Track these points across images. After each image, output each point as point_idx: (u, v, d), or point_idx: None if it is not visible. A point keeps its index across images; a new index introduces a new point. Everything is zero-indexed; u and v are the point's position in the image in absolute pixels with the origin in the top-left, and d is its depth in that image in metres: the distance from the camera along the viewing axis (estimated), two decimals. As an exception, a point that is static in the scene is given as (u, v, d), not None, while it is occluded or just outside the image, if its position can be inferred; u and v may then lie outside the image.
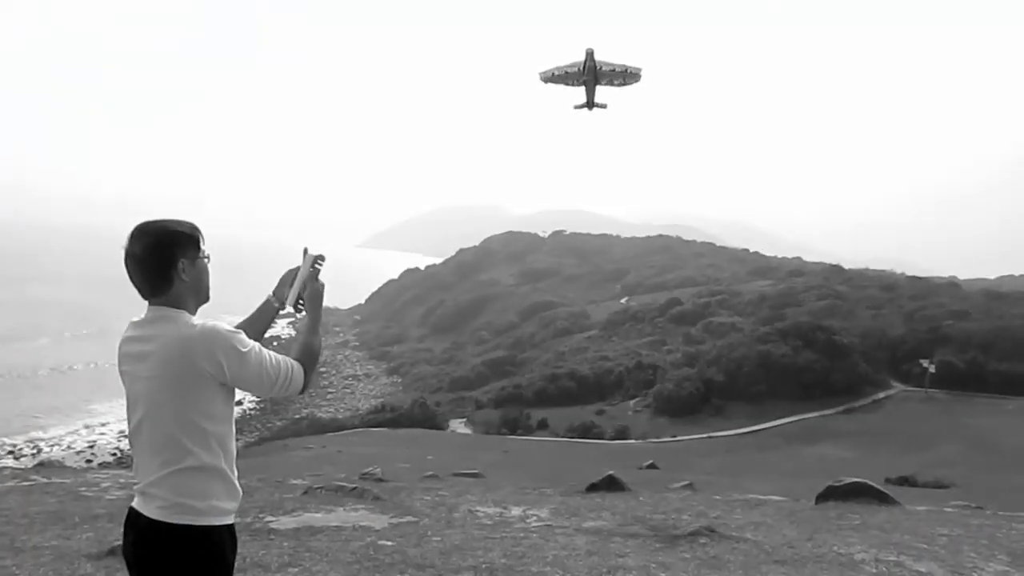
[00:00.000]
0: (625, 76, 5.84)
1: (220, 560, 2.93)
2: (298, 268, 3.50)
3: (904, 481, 29.64)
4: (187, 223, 3.02)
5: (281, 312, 3.55)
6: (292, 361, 3.09)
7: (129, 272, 2.95)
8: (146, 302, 3.00)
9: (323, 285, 3.50)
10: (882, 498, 10.71)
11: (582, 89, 6.24)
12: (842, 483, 11.10)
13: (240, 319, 3.43)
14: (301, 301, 3.44)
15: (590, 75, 5.80)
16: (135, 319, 3.03)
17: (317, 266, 3.48)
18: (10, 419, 60.45)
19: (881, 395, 65.99)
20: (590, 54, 5.80)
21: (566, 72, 5.96)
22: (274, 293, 3.51)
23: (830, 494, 10.91)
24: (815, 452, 48.07)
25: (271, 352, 3.03)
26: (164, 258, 2.92)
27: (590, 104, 6.02)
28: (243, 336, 2.96)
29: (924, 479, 31.85)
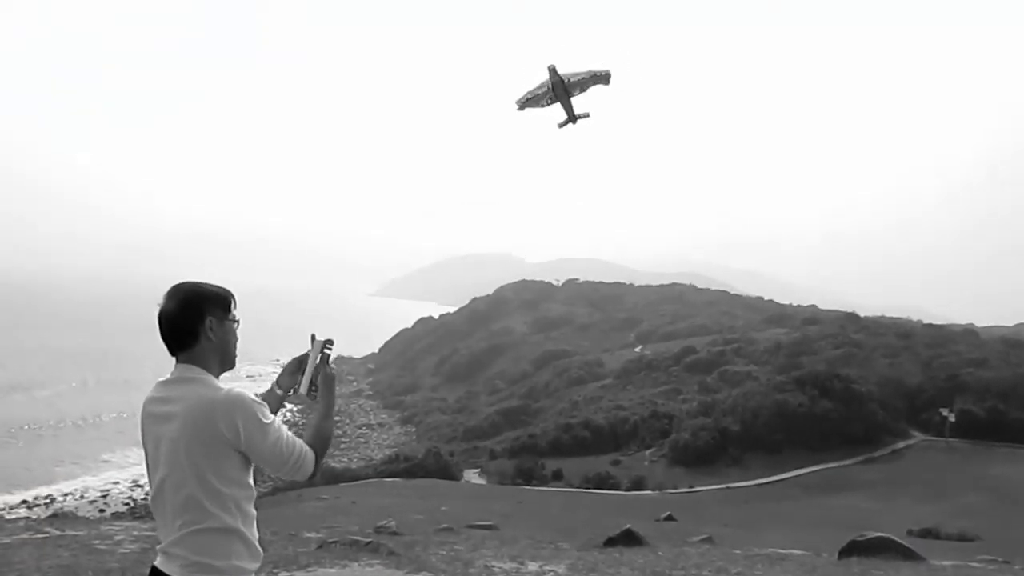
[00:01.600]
0: (595, 80, 5.83)
1: None
2: (305, 355, 3.52)
3: (927, 533, 29.14)
4: (220, 286, 3.10)
5: (290, 398, 3.56)
6: (306, 446, 3.11)
7: (160, 328, 3.01)
8: (173, 360, 3.05)
9: (335, 370, 3.54)
10: (907, 553, 10.51)
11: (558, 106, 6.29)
12: (865, 537, 10.91)
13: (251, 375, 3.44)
14: (314, 388, 3.45)
15: (560, 90, 5.80)
16: (161, 379, 3.06)
17: (327, 351, 3.51)
18: (30, 469, 60.55)
19: (901, 444, 65.10)
20: (552, 70, 5.81)
21: (536, 94, 5.96)
22: (278, 382, 3.55)
23: (853, 549, 10.72)
24: (835, 503, 47.33)
25: (289, 432, 3.05)
26: (192, 314, 2.99)
27: (572, 118, 6.00)
28: (267, 408, 2.99)
29: (948, 531, 31.29)
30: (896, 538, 11.02)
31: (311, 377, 3.46)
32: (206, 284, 3.11)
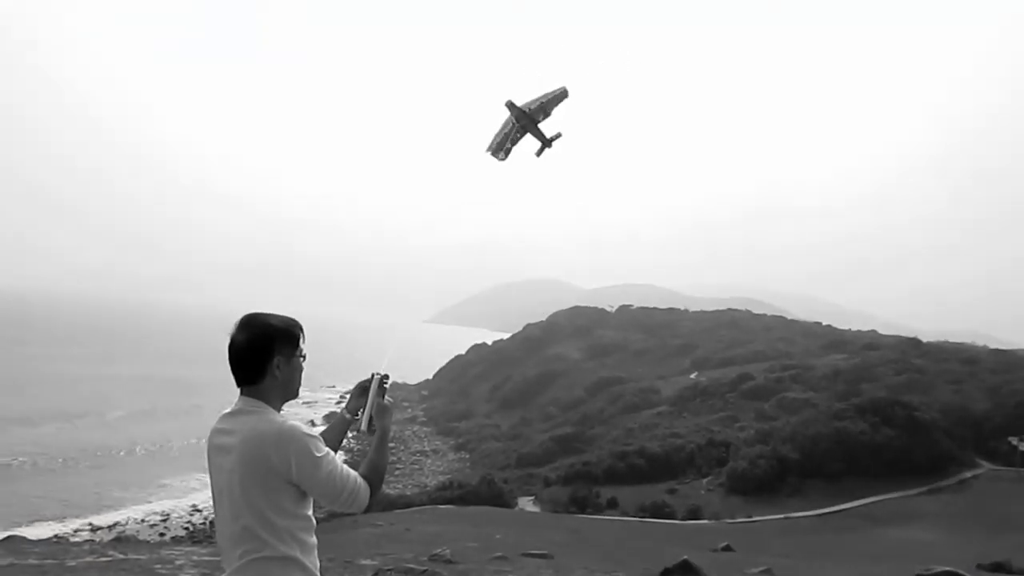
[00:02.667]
0: (555, 100, 5.82)
1: None
2: (368, 380, 3.59)
3: (999, 568, 28.15)
4: (291, 320, 3.13)
5: (355, 433, 3.63)
6: (360, 479, 3.12)
7: (230, 359, 3.05)
8: (238, 390, 3.11)
9: (391, 402, 3.58)
10: (977, 588, 10.13)
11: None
12: (932, 572, 10.55)
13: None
14: (373, 424, 3.51)
15: (525, 121, 5.79)
16: (225, 411, 3.11)
17: (384, 386, 3.57)
18: (98, 493, 62.04)
19: (968, 474, 63.03)
20: (510, 105, 5.80)
21: (505, 133, 5.95)
22: (347, 407, 3.61)
23: (920, 583, 10.37)
24: (899, 535, 45.99)
25: (344, 465, 3.07)
26: (262, 352, 3.05)
27: (545, 143, 5.97)
28: (320, 442, 3.02)
29: (1020, 565, 30.17)
30: (963, 573, 10.63)
31: (371, 413, 3.52)
32: (277, 319, 3.13)
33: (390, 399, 3.60)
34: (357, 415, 3.63)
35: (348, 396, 3.69)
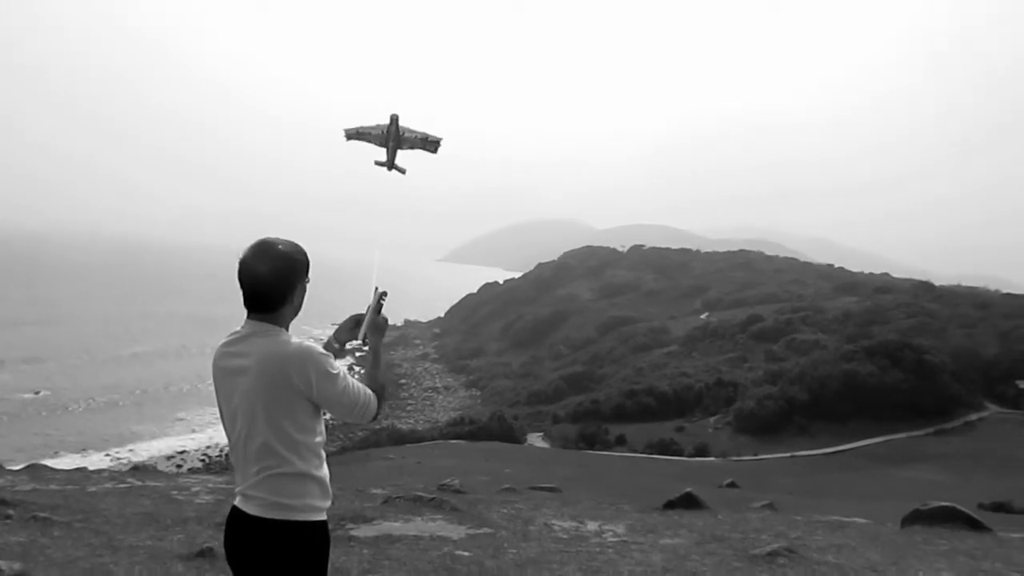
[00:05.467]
0: (425, 144, 5.92)
1: (318, 553, 3.15)
2: (365, 311, 3.66)
3: (1000, 507, 28.48)
4: (302, 250, 3.23)
5: (346, 349, 3.70)
6: (370, 392, 3.25)
7: (244, 284, 3.11)
8: (245, 313, 3.19)
9: (386, 319, 3.67)
10: (972, 523, 10.33)
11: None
12: (929, 507, 10.74)
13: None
14: (367, 337, 3.60)
15: (394, 140, 5.84)
16: (232, 333, 3.21)
17: (381, 302, 3.65)
18: (120, 430, 63.12)
19: (974, 417, 63.39)
20: (394, 119, 5.86)
21: (370, 132, 5.97)
22: (335, 336, 3.68)
23: (917, 518, 10.58)
24: (903, 475, 46.51)
25: (354, 380, 3.21)
26: (286, 283, 3.13)
27: (390, 166, 6.05)
28: (333, 359, 3.15)
29: (1022, 505, 30.56)
30: (962, 508, 10.82)
31: (366, 327, 3.60)
32: (293, 247, 3.18)
33: (385, 317, 3.68)
34: (347, 346, 3.69)
35: (339, 327, 3.73)
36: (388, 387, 3.50)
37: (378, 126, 6.40)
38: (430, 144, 6.38)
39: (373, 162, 6.58)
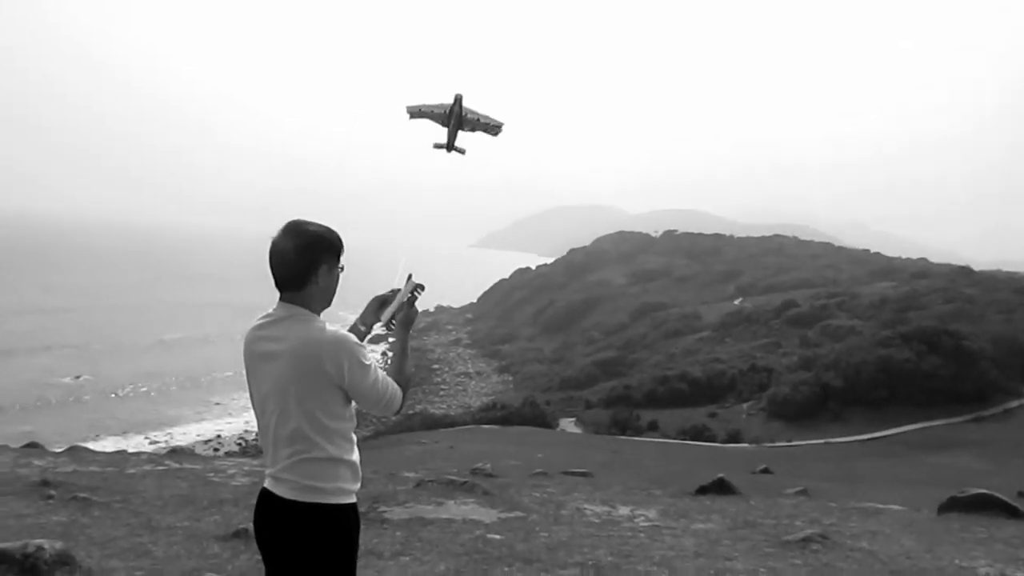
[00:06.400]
0: (487, 127, 5.81)
1: (347, 535, 3.17)
2: (390, 293, 3.65)
3: (1039, 495, 28.02)
4: (335, 232, 3.24)
5: (370, 334, 3.70)
6: (395, 385, 3.26)
7: (272, 263, 3.15)
8: (277, 296, 3.22)
9: (417, 312, 3.67)
10: (1011, 511, 10.17)
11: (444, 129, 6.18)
12: (967, 494, 10.60)
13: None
14: (393, 322, 3.58)
15: (456, 120, 5.74)
16: (263, 316, 3.23)
17: (416, 294, 3.63)
18: (159, 414, 64.21)
19: (1014, 404, 62.16)
20: (458, 99, 5.77)
21: (433, 111, 5.90)
22: (362, 318, 3.68)
23: (953, 505, 10.45)
24: (940, 462, 45.86)
25: (383, 372, 3.22)
26: (309, 259, 3.14)
27: (449, 147, 5.94)
28: (366, 350, 3.17)
29: (1061, 494, 30.02)
30: (1000, 495, 10.67)
31: (394, 312, 3.59)
32: (324, 228, 3.22)
33: (417, 309, 3.66)
34: (371, 329, 3.68)
35: (365, 308, 3.72)
36: (412, 380, 3.49)
37: (441, 105, 6.38)
38: (492, 128, 6.36)
39: (432, 145, 6.55)
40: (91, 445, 28.92)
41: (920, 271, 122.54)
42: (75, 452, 14.21)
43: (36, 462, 11.39)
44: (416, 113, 6.26)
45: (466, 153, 6.39)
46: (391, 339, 3.59)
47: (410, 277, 3.64)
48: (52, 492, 8.78)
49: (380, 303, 3.64)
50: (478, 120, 6.03)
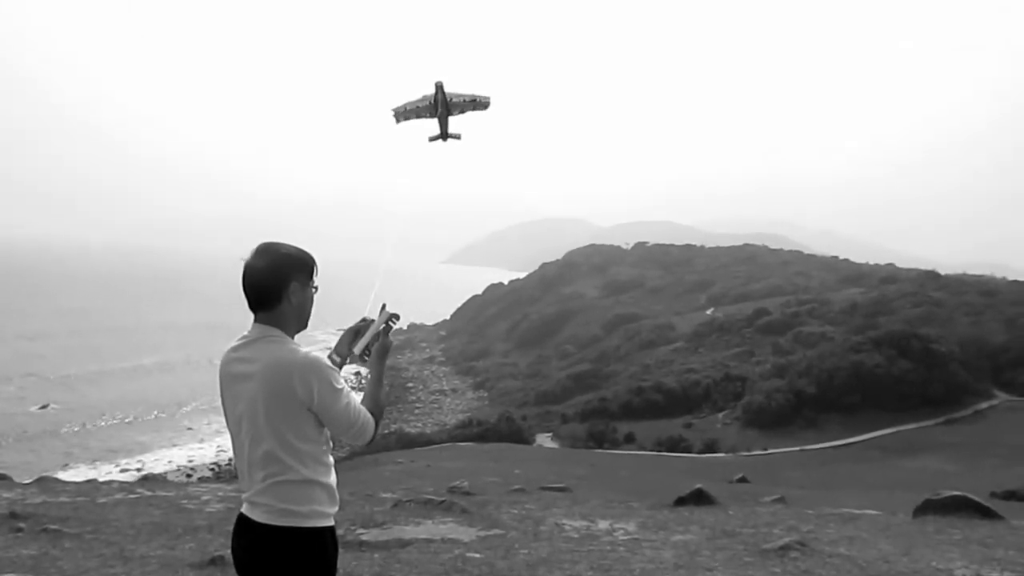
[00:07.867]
0: (475, 105, 5.87)
1: (324, 559, 3.14)
2: (362, 324, 3.63)
3: (1011, 496, 28.40)
4: (306, 252, 3.23)
5: (344, 365, 3.66)
6: (368, 413, 3.24)
7: (244, 284, 3.15)
8: (251, 318, 3.20)
9: (392, 343, 3.65)
10: (984, 512, 10.29)
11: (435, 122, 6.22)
12: (941, 496, 10.71)
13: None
14: (367, 353, 3.56)
15: (442, 107, 5.80)
16: (239, 338, 3.21)
17: (391, 323, 3.62)
18: (129, 441, 63.19)
19: (983, 405, 63.14)
20: (439, 87, 5.81)
21: (417, 107, 5.94)
22: (336, 350, 3.66)
23: (928, 508, 10.55)
24: (914, 465, 46.39)
25: (356, 399, 3.20)
26: (279, 276, 3.13)
27: (444, 135, 5.98)
28: (339, 374, 3.14)
29: (1033, 493, 30.44)
30: (974, 496, 10.79)
31: (368, 342, 3.57)
32: (295, 248, 3.22)
33: (392, 339, 3.65)
34: (347, 360, 3.64)
35: (339, 340, 3.70)
36: (384, 410, 3.47)
37: (424, 97, 6.38)
38: (480, 104, 6.37)
39: (427, 139, 6.53)
40: (61, 475, 28.45)
41: (888, 276, 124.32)
42: (44, 483, 13.94)
43: (4, 494, 11.18)
44: (402, 114, 6.25)
45: (462, 138, 6.40)
46: (366, 370, 3.57)
47: (384, 307, 3.63)
48: (21, 525, 8.61)
49: (354, 333, 3.62)
50: (464, 100, 6.03)
